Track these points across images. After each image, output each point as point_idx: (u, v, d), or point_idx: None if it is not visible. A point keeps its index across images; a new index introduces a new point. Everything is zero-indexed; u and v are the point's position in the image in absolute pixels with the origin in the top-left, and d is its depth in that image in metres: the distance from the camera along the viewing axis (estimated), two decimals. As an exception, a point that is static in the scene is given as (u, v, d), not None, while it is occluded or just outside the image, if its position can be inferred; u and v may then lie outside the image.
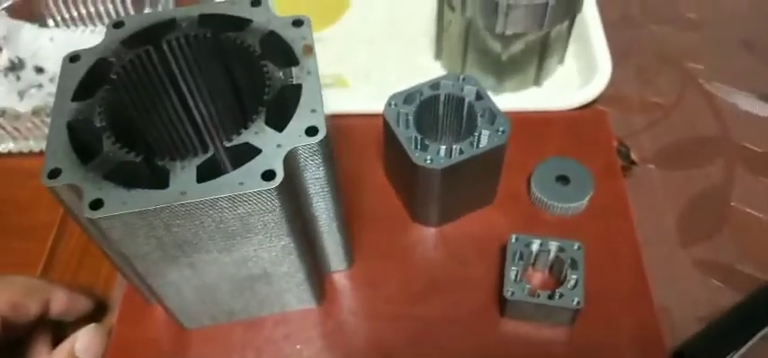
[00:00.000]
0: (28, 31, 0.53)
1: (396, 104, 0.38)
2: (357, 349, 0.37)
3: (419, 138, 0.37)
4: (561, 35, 0.48)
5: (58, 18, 0.54)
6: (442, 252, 0.41)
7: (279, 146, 0.28)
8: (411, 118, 0.38)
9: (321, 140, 0.28)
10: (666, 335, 0.38)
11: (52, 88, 0.50)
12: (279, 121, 0.29)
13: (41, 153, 0.47)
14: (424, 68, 0.52)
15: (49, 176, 0.27)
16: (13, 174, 0.47)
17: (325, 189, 0.31)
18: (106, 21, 0.54)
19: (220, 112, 0.36)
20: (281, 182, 0.27)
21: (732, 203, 0.45)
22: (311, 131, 0.28)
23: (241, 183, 0.27)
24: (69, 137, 0.28)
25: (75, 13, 0.53)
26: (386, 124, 0.39)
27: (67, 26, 0.54)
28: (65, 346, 0.35)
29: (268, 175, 0.27)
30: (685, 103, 0.51)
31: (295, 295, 0.36)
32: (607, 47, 0.49)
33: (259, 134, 0.28)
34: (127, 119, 0.31)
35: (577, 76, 0.51)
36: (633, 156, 0.47)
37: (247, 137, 0.28)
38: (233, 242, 0.30)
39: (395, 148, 0.38)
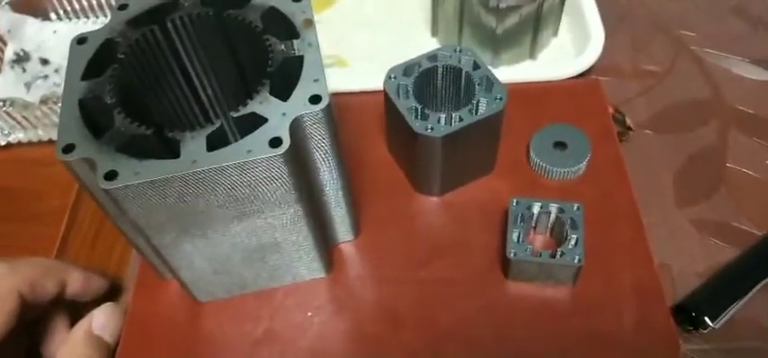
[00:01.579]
0: (31, 24, 0.54)
1: (395, 77, 0.39)
2: (366, 313, 0.38)
3: (419, 108, 0.38)
4: (554, 7, 0.49)
5: (61, 11, 0.55)
6: (444, 219, 0.42)
7: (284, 114, 0.29)
8: (410, 89, 0.39)
9: (325, 107, 0.29)
10: (667, 290, 0.39)
11: (58, 78, 0.51)
12: (283, 91, 0.30)
13: (51, 142, 0.49)
14: (421, 46, 0.52)
15: (64, 151, 0.28)
16: (24, 163, 0.48)
17: (330, 156, 0.32)
18: (107, 12, 0.55)
19: (224, 88, 0.37)
20: (288, 148, 0.28)
21: (728, 164, 0.46)
22: (315, 99, 0.29)
23: (249, 151, 0.28)
24: (81, 113, 0.29)
25: (77, 6, 0.54)
26: (386, 97, 0.40)
27: (70, 18, 0.55)
28: (82, 325, 0.36)
29: (275, 142, 0.28)
30: (678, 70, 0.52)
31: (305, 265, 0.37)
32: (600, 17, 0.50)
33: (264, 104, 0.29)
34: (135, 95, 0.32)
35: (572, 48, 0.52)
36: (628, 122, 0.48)
37: (253, 106, 0.29)
38: (244, 210, 0.31)
39: (396, 120, 0.39)
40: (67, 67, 0.31)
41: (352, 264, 0.40)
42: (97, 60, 0.31)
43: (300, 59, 0.31)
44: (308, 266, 0.38)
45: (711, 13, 0.56)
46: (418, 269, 0.39)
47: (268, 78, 0.30)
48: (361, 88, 0.47)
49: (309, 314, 0.38)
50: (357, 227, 0.40)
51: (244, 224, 0.32)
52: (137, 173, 0.27)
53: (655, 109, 0.50)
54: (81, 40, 0.32)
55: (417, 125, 0.37)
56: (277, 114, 0.29)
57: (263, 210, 0.31)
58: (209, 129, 0.28)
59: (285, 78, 0.30)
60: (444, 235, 0.41)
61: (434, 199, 0.42)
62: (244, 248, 0.34)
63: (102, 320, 0.37)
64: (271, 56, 0.31)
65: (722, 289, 0.40)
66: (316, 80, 0.30)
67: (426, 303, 0.38)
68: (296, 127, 0.29)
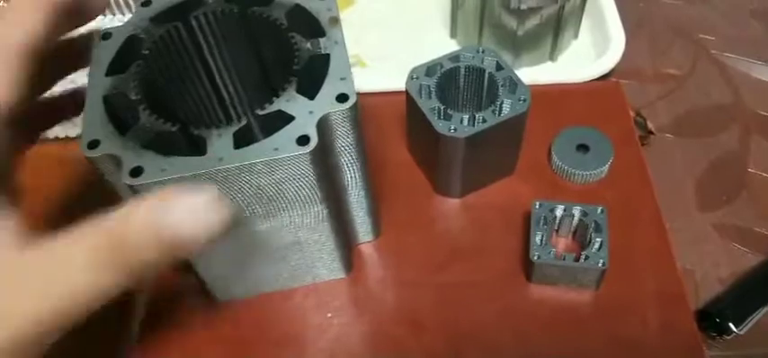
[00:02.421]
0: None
1: (417, 77, 0.39)
2: (386, 316, 0.38)
3: (442, 108, 0.38)
4: (575, 9, 0.49)
5: None
6: (465, 221, 0.41)
7: (311, 113, 0.29)
8: (433, 89, 0.39)
9: (352, 106, 0.29)
10: (690, 295, 0.38)
11: (73, 76, 0.50)
12: (309, 89, 0.29)
13: (67, 138, 0.48)
14: (440, 47, 0.52)
15: (89, 147, 0.28)
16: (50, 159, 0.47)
17: (355, 156, 0.32)
18: (124, 10, 0.54)
19: (248, 86, 0.37)
20: (315, 147, 0.27)
21: (750, 169, 0.46)
22: (342, 98, 0.29)
23: (276, 149, 0.27)
24: (105, 109, 0.29)
25: None
26: (408, 97, 0.39)
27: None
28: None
29: (302, 140, 0.28)
30: (698, 74, 0.52)
31: (326, 265, 0.37)
32: (620, 20, 0.50)
33: (290, 102, 0.29)
34: (159, 92, 0.32)
35: (592, 50, 0.52)
36: (650, 125, 0.47)
37: (280, 104, 0.29)
38: (268, 210, 0.31)
39: (418, 121, 0.39)
40: (92, 62, 0.31)
41: (371, 265, 0.39)
42: (121, 56, 0.31)
43: (327, 58, 0.31)
44: (329, 266, 0.37)
45: (731, 17, 0.56)
46: (439, 272, 0.39)
47: (294, 76, 0.30)
48: (379, 89, 0.47)
49: (329, 315, 0.38)
50: (378, 228, 0.40)
51: (268, 223, 0.32)
52: (163, 170, 0.27)
53: (675, 113, 0.49)
54: (105, 36, 0.32)
55: (440, 126, 0.37)
56: (304, 112, 0.29)
57: (288, 209, 0.31)
58: (236, 127, 0.28)
59: (311, 76, 0.30)
60: (465, 237, 0.41)
61: (455, 201, 0.42)
62: (266, 248, 0.34)
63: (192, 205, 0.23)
64: (297, 54, 0.31)
65: (747, 294, 0.40)
66: (342, 78, 0.30)
67: (447, 306, 0.38)
68: (323, 125, 0.29)
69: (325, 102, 0.29)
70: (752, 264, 0.41)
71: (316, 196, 0.31)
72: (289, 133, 0.28)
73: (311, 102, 0.29)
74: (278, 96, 0.29)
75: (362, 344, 0.37)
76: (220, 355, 0.37)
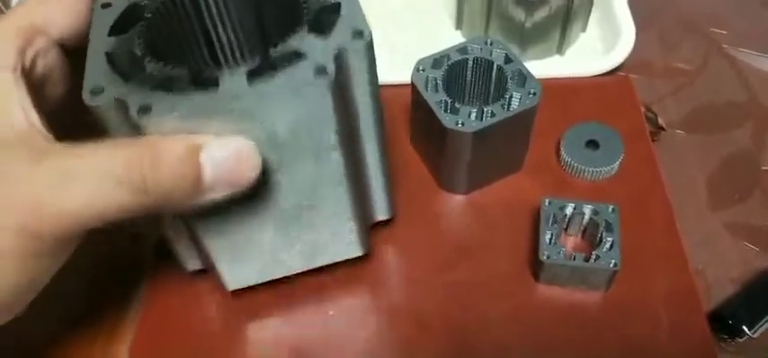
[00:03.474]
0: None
1: (423, 69, 0.38)
2: (389, 314, 0.37)
3: (449, 101, 0.36)
4: (584, 2, 0.48)
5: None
6: (471, 218, 0.40)
7: (325, 49, 0.27)
8: (440, 82, 0.37)
9: (368, 42, 0.28)
10: (702, 296, 0.37)
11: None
12: (322, 31, 0.28)
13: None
14: (445, 39, 0.51)
15: (92, 93, 0.26)
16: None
17: (371, 102, 0.30)
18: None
19: (253, 53, 0.35)
20: (334, 78, 0.26)
21: (763, 167, 0.45)
22: (357, 34, 0.28)
23: (293, 80, 0.26)
24: (109, 63, 0.27)
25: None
26: (414, 89, 0.38)
27: None
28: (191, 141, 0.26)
29: (320, 71, 0.26)
30: (710, 69, 0.51)
31: (342, 238, 0.34)
32: (630, 14, 0.49)
33: (304, 41, 0.27)
34: (166, 48, 0.30)
35: (600, 44, 0.50)
36: (661, 121, 0.46)
37: (293, 43, 0.27)
38: (283, 157, 0.29)
39: (423, 114, 0.38)
40: (92, 29, 0.29)
41: (374, 263, 0.38)
42: (123, 20, 0.30)
43: (337, 5, 0.29)
44: (346, 239, 0.34)
45: (743, 11, 0.54)
46: (444, 270, 0.38)
47: (305, 24, 0.28)
48: (383, 81, 0.46)
49: (331, 313, 0.37)
50: (393, 204, 0.37)
51: (282, 174, 0.29)
52: (172, 106, 0.25)
53: (687, 109, 0.48)
54: (105, 5, 0.30)
55: (447, 120, 0.36)
56: (318, 50, 0.27)
57: (304, 157, 0.29)
58: (250, 65, 0.26)
59: (323, 22, 0.28)
60: (471, 235, 0.39)
61: (461, 197, 0.41)
62: (279, 210, 0.31)
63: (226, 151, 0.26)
64: (305, 6, 0.29)
65: (760, 296, 0.39)
66: (355, 19, 0.28)
67: (452, 306, 0.37)
68: (339, 60, 0.27)
69: (339, 38, 0.27)
70: (765, 264, 0.40)
71: (332, 140, 0.29)
72: (304, 67, 0.26)
73: (325, 40, 0.27)
74: (290, 36, 0.28)
75: (365, 342, 0.36)
76: (219, 352, 0.36)
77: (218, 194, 0.26)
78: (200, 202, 0.26)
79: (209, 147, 0.25)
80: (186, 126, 0.26)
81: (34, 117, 0.27)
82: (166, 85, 0.26)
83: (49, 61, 0.29)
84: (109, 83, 0.26)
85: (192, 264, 0.35)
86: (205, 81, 0.26)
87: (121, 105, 0.26)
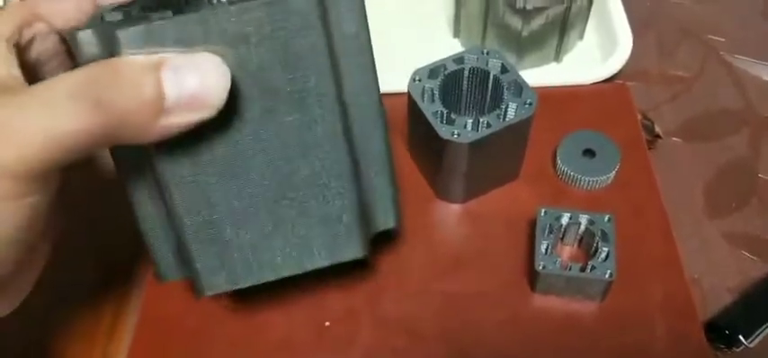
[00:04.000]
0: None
1: (420, 79, 0.38)
2: (385, 325, 0.37)
3: (445, 112, 0.36)
4: (582, 9, 0.48)
5: None
6: (468, 228, 0.40)
7: None
8: (436, 92, 0.37)
9: None
10: (698, 306, 0.37)
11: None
12: None
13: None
14: (443, 47, 0.51)
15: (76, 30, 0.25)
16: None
17: (364, 55, 0.28)
18: None
19: None
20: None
21: (760, 175, 0.45)
22: None
23: None
24: (100, 18, 0.27)
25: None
26: (410, 100, 0.38)
27: None
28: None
29: None
30: (707, 76, 0.51)
31: (339, 235, 0.29)
32: (627, 20, 0.49)
33: None
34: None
35: (598, 51, 0.50)
36: (657, 129, 0.46)
37: None
38: (269, 104, 0.26)
39: (420, 124, 0.38)
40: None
41: (371, 273, 0.38)
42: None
43: None
44: (342, 234, 0.29)
45: (740, 18, 0.54)
46: (440, 281, 0.38)
47: None
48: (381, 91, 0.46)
49: (327, 323, 0.37)
50: (398, 209, 0.31)
51: (269, 126, 0.26)
52: (150, 34, 0.24)
53: (684, 116, 0.48)
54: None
55: (443, 130, 0.36)
56: None
57: (288, 102, 0.26)
58: None
59: None
60: (467, 244, 0.39)
61: (457, 206, 0.41)
62: (263, 184, 0.28)
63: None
64: None
65: (757, 305, 0.39)
66: None
67: (448, 316, 0.37)
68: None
69: None
70: (762, 273, 0.40)
71: (324, 83, 0.26)
72: None
73: None
74: None
75: (361, 354, 0.36)
76: (214, 352, 0.36)
77: (181, 118, 0.24)
78: (163, 128, 0.24)
79: (172, 61, 0.23)
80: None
81: (16, 71, 0.26)
82: (146, 20, 0.25)
83: (47, 47, 0.29)
84: (95, 26, 0.25)
85: (168, 267, 0.30)
86: (185, 10, 0.26)
87: (100, 35, 0.24)
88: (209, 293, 0.29)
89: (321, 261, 0.30)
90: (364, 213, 0.30)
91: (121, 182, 0.28)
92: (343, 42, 0.27)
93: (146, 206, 0.29)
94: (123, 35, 0.24)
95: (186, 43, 0.24)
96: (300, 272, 0.29)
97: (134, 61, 0.23)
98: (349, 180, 0.28)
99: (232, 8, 0.24)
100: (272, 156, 0.27)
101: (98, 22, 0.26)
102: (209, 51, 0.24)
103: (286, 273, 0.29)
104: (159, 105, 0.23)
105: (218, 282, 0.29)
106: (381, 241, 0.38)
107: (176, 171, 0.26)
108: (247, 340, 0.36)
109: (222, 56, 0.24)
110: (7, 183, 0.22)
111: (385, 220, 0.31)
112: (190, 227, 0.28)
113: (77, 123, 0.22)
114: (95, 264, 0.40)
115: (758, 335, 0.37)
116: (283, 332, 0.36)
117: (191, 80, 0.23)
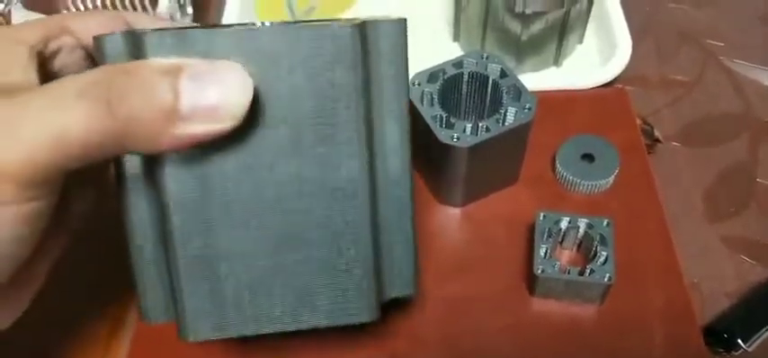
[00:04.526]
0: (18, 15, 0.53)
1: (419, 83, 0.38)
2: (384, 330, 0.37)
3: (444, 116, 0.37)
4: (581, 13, 0.48)
5: (73, 9, 0.53)
6: (467, 232, 0.40)
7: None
8: (435, 96, 0.37)
9: (403, 24, 0.25)
10: (697, 310, 0.37)
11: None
12: None
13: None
14: (442, 51, 0.51)
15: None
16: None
17: (399, 100, 0.26)
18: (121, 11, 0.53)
19: None
20: (355, 29, 0.24)
21: (759, 179, 0.45)
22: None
23: (314, 26, 0.24)
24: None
25: (90, 4, 0.53)
26: (409, 104, 0.38)
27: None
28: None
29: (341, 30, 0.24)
30: (706, 81, 0.51)
31: (346, 291, 0.26)
32: (626, 25, 0.49)
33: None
34: None
35: (597, 55, 0.51)
36: (657, 134, 0.46)
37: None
38: (293, 133, 0.24)
39: (419, 128, 0.38)
40: None
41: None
42: None
43: None
44: (355, 294, 0.26)
45: (740, 22, 0.54)
46: (440, 286, 0.38)
47: None
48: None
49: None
50: (416, 278, 0.28)
51: (288, 158, 0.25)
52: (176, 40, 0.23)
53: (683, 121, 0.48)
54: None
55: (442, 134, 0.36)
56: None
57: (319, 138, 0.25)
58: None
59: None
60: (466, 248, 0.40)
61: (456, 210, 0.41)
62: (280, 215, 0.25)
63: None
64: None
65: (755, 310, 0.39)
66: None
67: (448, 320, 0.37)
68: (364, 36, 0.24)
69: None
70: (761, 277, 0.40)
71: (353, 121, 0.24)
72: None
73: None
74: None
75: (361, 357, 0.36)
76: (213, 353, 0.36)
77: (196, 128, 0.22)
78: (176, 138, 0.22)
79: (193, 67, 0.22)
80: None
81: (33, 77, 0.25)
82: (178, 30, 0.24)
83: (73, 59, 0.28)
84: (124, 33, 0.24)
85: (155, 306, 0.27)
86: (217, 26, 0.25)
87: (129, 41, 0.23)
88: (193, 339, 0.26)
89: (324, 319, 0.26)
90: (379, 275, 0.27)
91: (120, 201, 0.26)
92: (381, 84, 0.25)
93: (141, 230, 0.26)
94: (151, 38, 0.23)
95: (215, 56, 0.23)
96: (298, 329, 0.26)
97: (152, 64, 0.22)
98: (367, 233, 0.26)
99: (268, 26, 0.23)
100: (287, 190, 0.25)
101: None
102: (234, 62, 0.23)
103: (282, 328, 0.26)
104: (173, 112, 0.21)
105: (204, 328, 0.25)
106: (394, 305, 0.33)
107: (181, 190, 0.24)
108: (244, 344, 0.36)
109: (250, 74, 0.22)
110: (8, 185, 0.21)
111: (400, 284, 0.27)
112: (184, 258, 0.25)
113: (85, 123, 0.21)
114: (93, 277, 0.40)
115: (757, 339, 0.37)
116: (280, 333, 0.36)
117: (211, 89, 0.22)
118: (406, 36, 0.25)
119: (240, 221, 0.25)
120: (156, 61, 0.22)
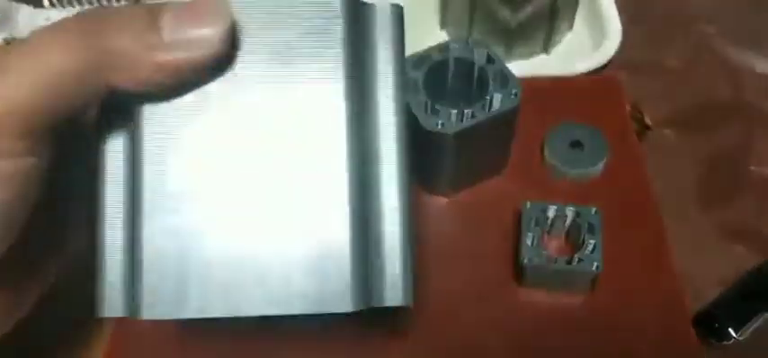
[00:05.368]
0: (24, 11, 0.52)
1: (404, 70, 0.37)
2: (367, 321, 0.36)
3: (429, 103, 0.36)
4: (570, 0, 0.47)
5: (55, -2, 0.53)
6: (453, 221, 0.39)
7: None
8: (420, 83, 0.37)
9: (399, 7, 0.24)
10: (688, 299, 0.37)
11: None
12: None
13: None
14: (429, 38, 0.51)
15: None
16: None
17: (393, 88, 0.24)
18: (104, 2, 0.52)
19: None
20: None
21: (751, 167, 0.44)
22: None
23: None
24: None
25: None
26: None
27: (63, 6, 0.53)
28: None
29: None
30: (698, 67, 0.50)
31: (327, 272, 0.23)
32: (617, 10, 0.48)
33: None
34: None
35: (587, 42, 0.50)
36: (647, 120, 0.46)
37: None
38: (275, 59, 0.24)
39: (404, 115, 0.37)
40: None
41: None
42: None
43: None
44: (334, 278, 0.23)
45: (733, 8, 0.54)
46: (426, 273, 0.37)
47: None
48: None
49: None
50: (413, 286, 0.25)
51: (271, 86, 0.24)
52: None
53: (675, 107, 0.48)
54: None
55: (427, 121, 0.35)
56: None
57: (301, 72, 0.24)
58: None
59: None
60: (452, 238, 0.39)
61: (443, 199, 0.40)
62: (258, 173, 0.23)
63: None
64: None
65: (747, 298, 0.38)
66: None
67: (432, 312, 0.36)
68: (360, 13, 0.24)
69: None
70: (752, 264, 0.40)
71: (338, 68, 0.23)
72: None
73: None
74: None
75: (344, 351, 0.35)
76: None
77: (178, 54, 0.22)
78: (157, 66, 0.22)
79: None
80: None
81: None
82: None
83: None
84: None
85: (111, 297, 0.24)
86: None
87: None
88: (148, 316, 0.23)
89: (300, 306, 0.23)
90: (365, 266, 0.24)
91: (98, 173, 0.25)
92: (375, 71, 0.25)
93: (112, 210, 0.24)
94: None
95: None
96: (268, 315, 0.23)
97: (127, 15, 0.22)
98: (345, 201, 0.23)
99: None
100: (269, 130, 0.23)
101: None
102: None
103: (252, 312, 0.23)
104: (153, 36, 0.22)
105: (162, 306, 0.23)
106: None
107: (156, 147, 0.23)
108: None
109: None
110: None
111: (391, 293, 0.24)
112: (150, 228, 0.23)
113: (64, 54, 0.21)
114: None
115: (748, 327, 0.37)
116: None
117: (192, 15, 0.22)
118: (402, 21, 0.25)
119: (215, 190, 0.23)
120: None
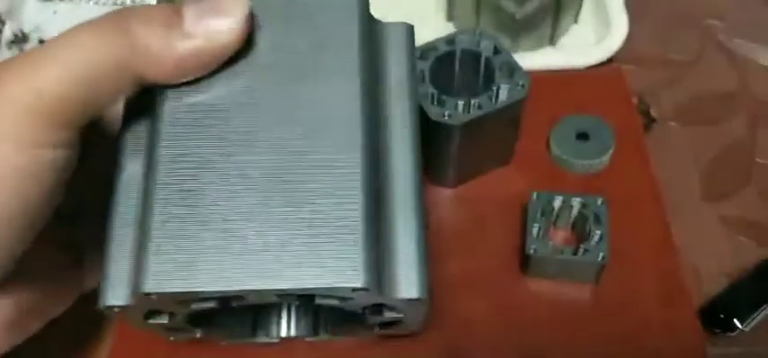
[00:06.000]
0: (31, 4, 0.52)
1: (410, 61, 0.37)
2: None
3: (436, 93, 0.36)
4: (576, -9, 0.47)
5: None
6: (459, 212, 0.40)
7: None
8: (427, 74, 0.37)
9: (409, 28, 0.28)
10: (693, 290, 0.37)
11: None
12: None
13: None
14: (436, 30, 0.50)
15: None
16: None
17: (407, 95, 0.28)
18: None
19: None
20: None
21: (757, 159, 0.44)
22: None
23: None
24: None
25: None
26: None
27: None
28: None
29: None
30: (705, 60, 0.50)
31: (335, 243, 0.23)
32: (623, 3, 0.48)
33: None
34: None
35: (593, 34, 0.50)
36: (653, 112, 0.46)
37: None
38: (291, 59, 0.26)
39: (410, 107, 0.37)
40: None
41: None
42: None
43: None
44: (342, 251, 0.23)
45: (739, 1, 0.53)
46: (432, 266, 0.37)
47: None
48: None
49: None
50: (425, 280, 0.25)
51: (287, 82, 0.26)
52: None
53: (680, 100, 0.47)
54: None
55: (433, 112, 0.35)
56: None
57: (316, 74, 0.26)
58: None
59: None
60: (459, 229, 0.39)
61: (448, 191, 0.40)
62: (270, 155, 0.25)
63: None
64: None
65: (752, 290, 0.38)
66: None
67: (439, 302, 0.36)
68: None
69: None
70: (758, 258, 0.40)
71: (354, 64, 0.26)
72: None
73: None
74: None
75: (349, 343, 0.35)
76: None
77: (198, 41, 0.24)
78: (181, 55, 0.24)
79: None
80: None
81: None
82: None
83: None
84: None
85: (117, 284, 0.24)
86: None
87: None
88: (153, 290, 0.23)
89: (305, 279, 0.23)
90: (377, 253, 0.24)
91: (116, 160, 0.26)
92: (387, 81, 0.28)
93: (126, 191, 0.26)
94: None
95: None
96: (278, 291, 0.23)
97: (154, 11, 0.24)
98: (366, 202, 0.24)
99: None
100: (280, 119, 0.25)
101: None
102: None
103: (257, 286, 0.23)
104: (176, 28, 0.24)
105: (167, 278, 0.23)
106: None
107: (174, 125, 0.25)
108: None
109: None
110: (19, 125, 0.21)
111: (407, 285, 0.25)
112: (163, 205, 0.24)
113: (100, 49, 0.23)
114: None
115: (753, 319, 0.37)
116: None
117: (209, 5, 0.24)
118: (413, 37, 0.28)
119: (229, 168, 0.24)
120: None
